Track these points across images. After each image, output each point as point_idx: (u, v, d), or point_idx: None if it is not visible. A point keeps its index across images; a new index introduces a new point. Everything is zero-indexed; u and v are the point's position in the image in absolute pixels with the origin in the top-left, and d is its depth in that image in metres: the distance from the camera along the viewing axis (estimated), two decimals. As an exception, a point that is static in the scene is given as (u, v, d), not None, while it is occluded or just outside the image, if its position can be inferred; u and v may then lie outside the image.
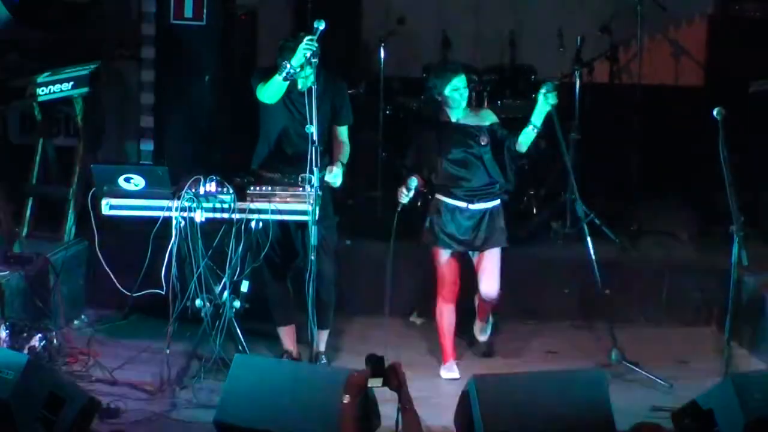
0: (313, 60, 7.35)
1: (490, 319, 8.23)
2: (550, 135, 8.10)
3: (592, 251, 8.00)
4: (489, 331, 8.29)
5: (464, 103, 7.88)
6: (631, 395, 7.48)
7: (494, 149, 7.85)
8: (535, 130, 7.64)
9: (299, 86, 7.56)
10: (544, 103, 7.58)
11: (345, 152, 7.83)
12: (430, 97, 8.05)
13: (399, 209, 7.70)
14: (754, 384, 6.53)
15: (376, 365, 6.11)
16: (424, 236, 7.98)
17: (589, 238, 8.05)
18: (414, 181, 7.74)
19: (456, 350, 8.09)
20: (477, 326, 8.26)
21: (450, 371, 7.98)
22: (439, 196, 7.91)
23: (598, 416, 6.44)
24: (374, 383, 6.10)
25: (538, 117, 7.61)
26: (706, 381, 7.29)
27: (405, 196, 7.70)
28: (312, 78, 7.46)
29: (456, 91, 7.81)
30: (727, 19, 10.77)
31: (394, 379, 6.09)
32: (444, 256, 7.93)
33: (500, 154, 7.85)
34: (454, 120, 7.89)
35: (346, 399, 6.00)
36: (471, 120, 7.91)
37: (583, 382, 6.56)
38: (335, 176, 7.63)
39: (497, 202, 7.92)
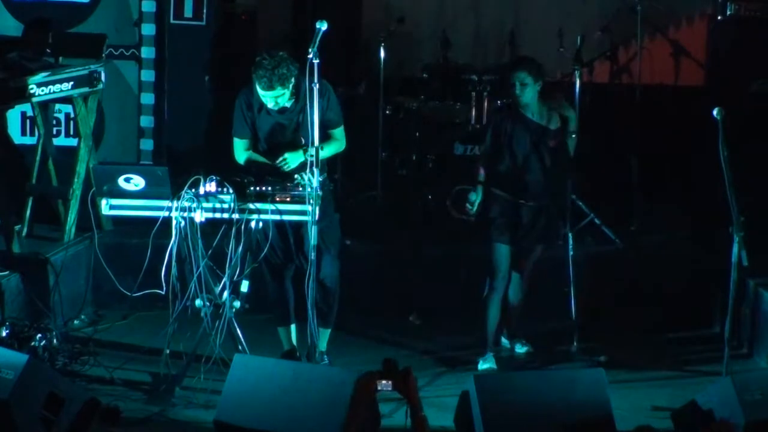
0: (287, 84, 7.35)
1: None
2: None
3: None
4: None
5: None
6: (631, 395, 7.47)
7: None
8: None
9: (270, 105, 7.50)
10: None
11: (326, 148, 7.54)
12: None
13: None
14: (754, 384, 6.53)
15: (390, 368, 6.11)
16: None
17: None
18: None
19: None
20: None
21: None
22: None
23: (598, 416, 6.44)
24: (384, 386, 6.10)
25: None
26: (706, 381, 7.30)
27: None
28: (287, 95, 7.43)
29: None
30: (727, 19, 10.76)
31: (403, 383, 6.08)
32: None
33: None
34: None
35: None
36: None
37: (584, 382, 6.56)
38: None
39: None
